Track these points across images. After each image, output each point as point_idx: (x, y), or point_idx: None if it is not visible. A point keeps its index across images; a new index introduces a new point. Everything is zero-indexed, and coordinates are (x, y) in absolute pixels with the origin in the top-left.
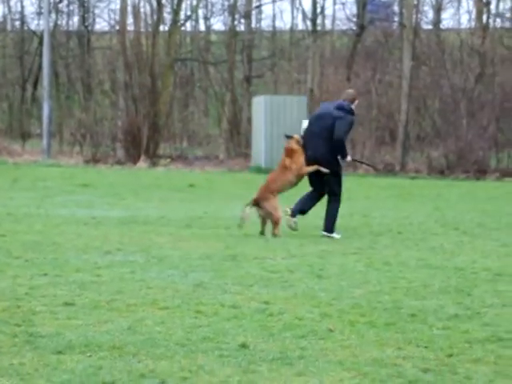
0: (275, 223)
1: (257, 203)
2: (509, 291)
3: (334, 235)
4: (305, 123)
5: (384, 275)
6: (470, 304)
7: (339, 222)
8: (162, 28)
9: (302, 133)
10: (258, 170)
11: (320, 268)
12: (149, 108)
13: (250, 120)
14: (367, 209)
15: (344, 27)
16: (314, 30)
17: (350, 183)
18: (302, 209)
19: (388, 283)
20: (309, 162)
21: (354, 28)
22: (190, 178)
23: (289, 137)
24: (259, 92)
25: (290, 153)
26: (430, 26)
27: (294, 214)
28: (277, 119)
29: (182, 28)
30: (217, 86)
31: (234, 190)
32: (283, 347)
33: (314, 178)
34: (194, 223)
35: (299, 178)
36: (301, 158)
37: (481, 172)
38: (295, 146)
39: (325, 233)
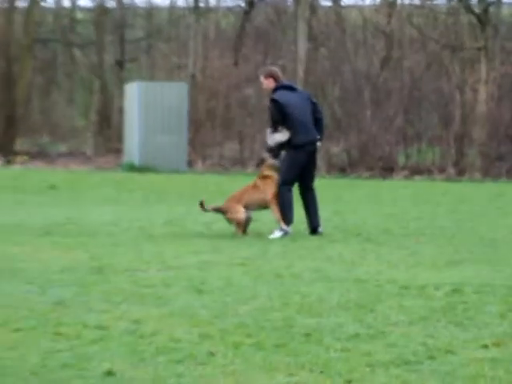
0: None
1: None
2: (416, 306)
3: None
4: (271, 135)
5: (274, 289)
6: (373, 322)
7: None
8: (19, 4)
9: (269, 143)
10: (132, 167)
11: (201, 281)
12: (3, 96)
13: (122, 110)
14: (255, 213)
15: (231, 4)
16: (197, 7)
17: (239, 183)
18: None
19: (279, 298)
20: (308, 148)
21: (242, 5)
22: (51, 178)
23: (262, 161)
24: (133, 78)
25: (263, 177)
26: (328, 3)
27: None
28: (153, 109)
29: (43, 4)
30: (84, 71)
31: (103, 192)
32: (156, 374)
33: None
34: (54, 231)
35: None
36: (271, 187)
37: (387, 170)
38: (269, 173)
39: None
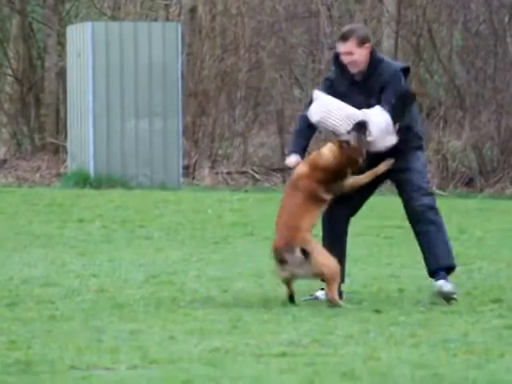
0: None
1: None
2: None
3: None
4: (319, 95)
5: None
6: None
7: None
8: None
9: (314, 113)
10: (81, 180)
11: None
12: None
13: (61, 75)
14: None
15: None
16: None
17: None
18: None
19: None
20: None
21: None
22: None
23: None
24: (81, 15)
25: (312, 167)
26: None
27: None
28: (120, 72)
29: None
30: None
31: (29, 224)
32: None
33: None
34: None
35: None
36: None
37: None
38: (326, 160)
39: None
